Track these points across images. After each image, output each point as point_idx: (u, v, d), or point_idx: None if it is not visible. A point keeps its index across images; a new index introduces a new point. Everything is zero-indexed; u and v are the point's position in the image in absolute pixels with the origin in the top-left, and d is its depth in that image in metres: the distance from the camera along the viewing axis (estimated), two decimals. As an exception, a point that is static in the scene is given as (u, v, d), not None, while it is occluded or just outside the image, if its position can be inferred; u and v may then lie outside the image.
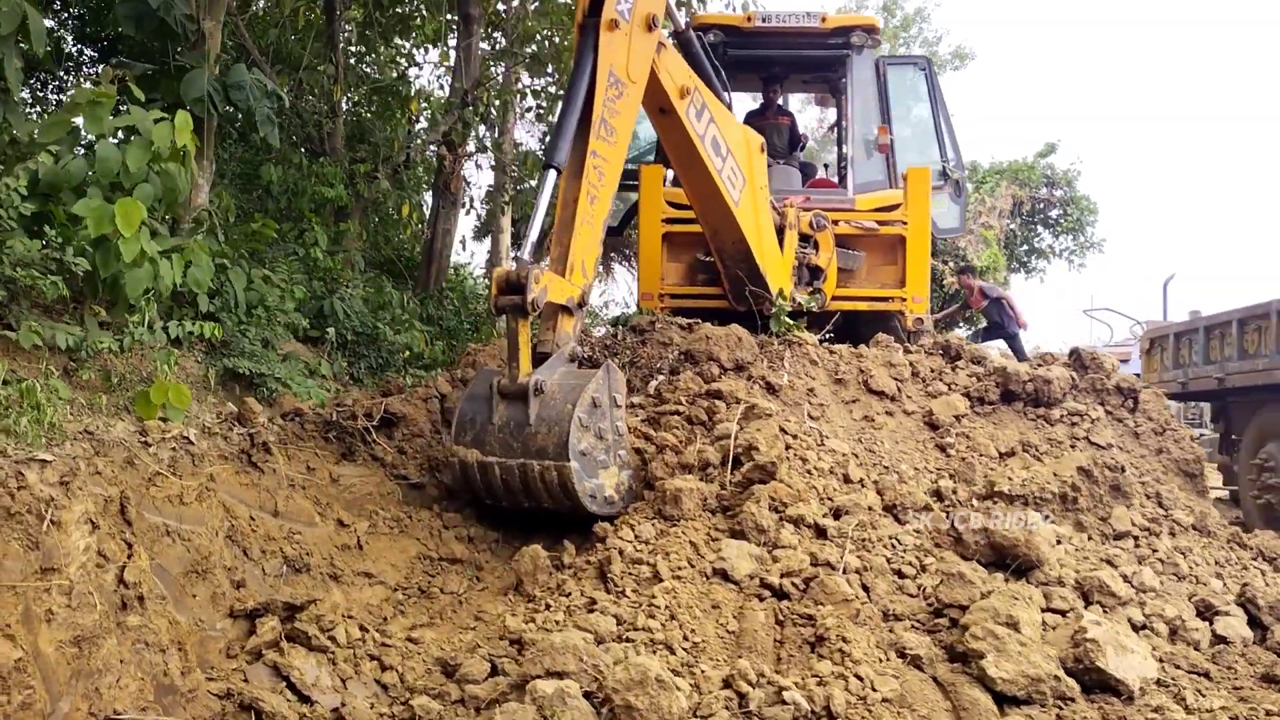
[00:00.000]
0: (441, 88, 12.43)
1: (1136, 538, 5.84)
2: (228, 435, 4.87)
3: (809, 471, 5.87)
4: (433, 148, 11.58)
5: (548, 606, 4.83)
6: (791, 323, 7.43)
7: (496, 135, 13.60)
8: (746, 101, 12.15)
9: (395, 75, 13.37)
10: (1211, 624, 5.01)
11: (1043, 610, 4.73)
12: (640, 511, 5.52)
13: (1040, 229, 24.96)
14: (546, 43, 13.04)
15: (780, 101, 10.35)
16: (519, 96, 13.45)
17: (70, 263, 4.21)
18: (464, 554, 5.60)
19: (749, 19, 9.40)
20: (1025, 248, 24.86)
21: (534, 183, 14.50)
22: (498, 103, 12.11)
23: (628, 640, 4.44)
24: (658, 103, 6.74)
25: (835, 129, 11.10)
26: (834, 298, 8.81)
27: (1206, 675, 4.60)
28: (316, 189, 8.19)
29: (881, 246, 9.06)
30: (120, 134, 4.84)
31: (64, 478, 3.37)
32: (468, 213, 12.75)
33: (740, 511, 5.27)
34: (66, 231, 4.27)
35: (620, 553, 5.07)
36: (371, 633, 4.58)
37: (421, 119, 12.15)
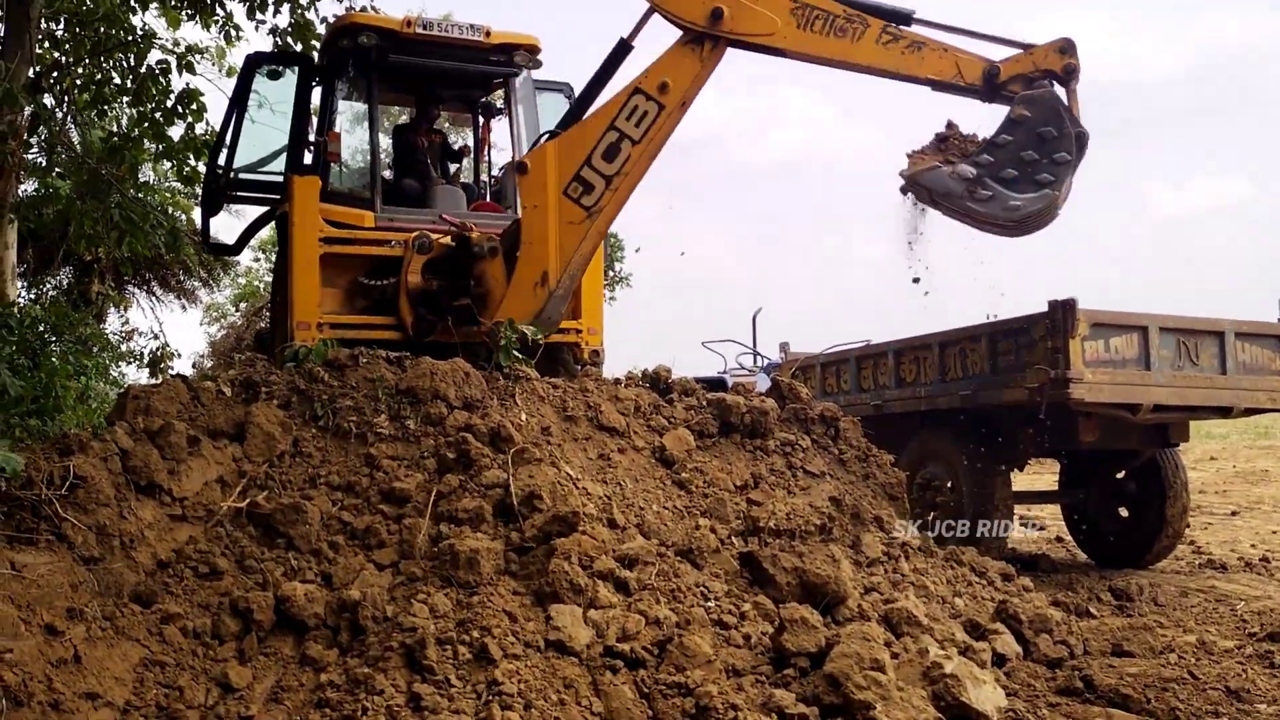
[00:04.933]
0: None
1: (884, 563, 6.05)
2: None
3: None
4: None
5: (363, 710, 3.92)
6: (520, 356, 6.86)
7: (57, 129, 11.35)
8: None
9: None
10: (991, 643, 5.28)
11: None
12: (426, 581, 4.72)
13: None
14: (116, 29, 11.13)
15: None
16: (82, 87, 11.33)
17: None
18: (198, 653, 4.42)
19: (408, 24, 8.64)
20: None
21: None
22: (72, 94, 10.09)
23: (490, 741, 3.72)
24: None
25: (475, 151, 10.58)
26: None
27: (1016, 695, 4.82)
28: None
29: (553, 276, 8.72)
30: None
31: None
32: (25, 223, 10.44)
33: (549, 570, 4.67)
34: None
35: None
36: (146, 781, 3.43)
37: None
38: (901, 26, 6.76)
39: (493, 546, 4.82)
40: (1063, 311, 7.55)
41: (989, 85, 6.68)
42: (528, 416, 6.22)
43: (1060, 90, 6.34)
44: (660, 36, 7.45)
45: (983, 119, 6.70)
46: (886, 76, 6.99)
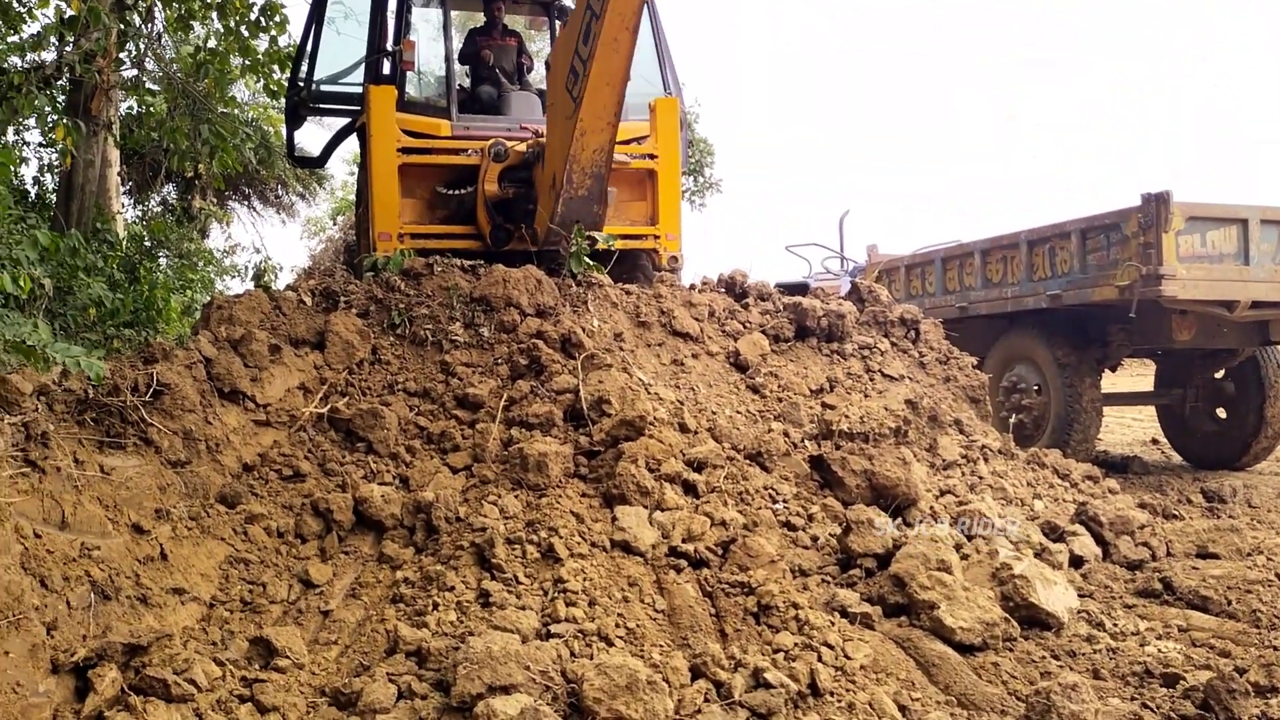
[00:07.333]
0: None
1: (961, 466, 5.98)
2: (-6, 428, 3.58)
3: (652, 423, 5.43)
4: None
5: (435, 606, 4.06)
6: (591, 263, 6.87)
7: (148, 46, 11.54)
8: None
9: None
10: (1069, 545, 5.21)
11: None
12: (497, 484, 4.83)
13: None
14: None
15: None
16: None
17: None
18: (281, 551, 4.61)
19: None
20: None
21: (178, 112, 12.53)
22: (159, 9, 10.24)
23: (554, 636, 3.82)
24: None
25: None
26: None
27: (1092, 596, 4.75)
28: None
29: (631, 181, 8.66)
30: None
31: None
32: (120, 141, 10.70)
33: (616, 473, 4.74)
34: None
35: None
36: (230, 667, 3.62)
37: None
38: None
39: (562, 450, 4.90)
40: (1156, 205, 7.23)
41: None
42: (600, 323, 6.25)
43: None
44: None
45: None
46: None
